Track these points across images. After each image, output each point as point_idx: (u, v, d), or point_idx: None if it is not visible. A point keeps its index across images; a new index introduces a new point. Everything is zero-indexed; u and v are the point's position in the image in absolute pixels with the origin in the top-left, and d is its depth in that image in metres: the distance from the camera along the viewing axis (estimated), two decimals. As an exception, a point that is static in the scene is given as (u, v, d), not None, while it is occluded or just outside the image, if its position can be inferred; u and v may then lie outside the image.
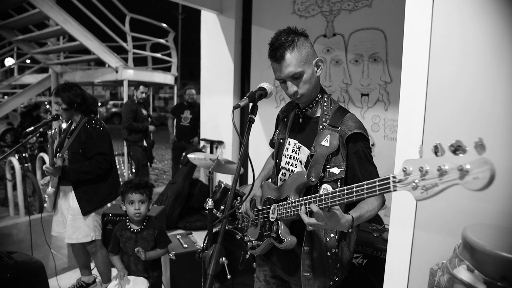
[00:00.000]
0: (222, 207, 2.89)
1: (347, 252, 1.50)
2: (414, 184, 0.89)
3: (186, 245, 2.81)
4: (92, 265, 3.11)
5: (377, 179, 1.04)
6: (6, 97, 8.54)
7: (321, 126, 1.45)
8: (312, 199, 1.26)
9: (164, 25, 7.58)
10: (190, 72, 30.93)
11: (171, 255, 2.66)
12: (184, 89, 6.17)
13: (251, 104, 1.36)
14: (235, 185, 1.27)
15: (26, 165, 5.24)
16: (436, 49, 1.71)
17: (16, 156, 5.13)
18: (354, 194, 1.11)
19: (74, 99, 2.68)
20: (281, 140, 1.63)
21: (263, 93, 1.40)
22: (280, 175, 1.61)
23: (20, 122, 10.80)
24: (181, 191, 4.50)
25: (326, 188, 1.38)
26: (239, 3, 4.18)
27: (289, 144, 1.58)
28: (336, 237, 1.45)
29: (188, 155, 2.91)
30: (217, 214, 2.82)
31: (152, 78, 7.05)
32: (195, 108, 5.77)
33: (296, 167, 1.52)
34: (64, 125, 2.89)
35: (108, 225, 3.00)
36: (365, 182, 1.08)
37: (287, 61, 1.36)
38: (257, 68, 4.11)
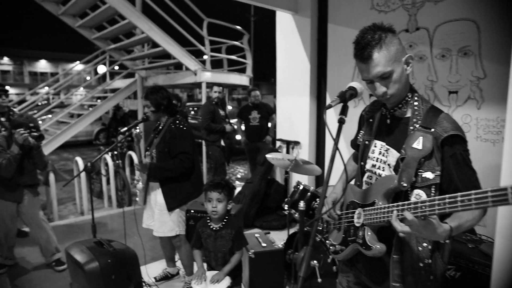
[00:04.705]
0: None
1: (441, 264, 1.38)
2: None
3: (264, 244, 2.85)
4: (176, 257, 3.31)
5: (489, 189, 0.94)
6: (99, 100, 9.48)
7: (411, 128, 1.37)
8: (406, 206, 1.18)
9: (238, 27, 7.76)
10: (262, 73, 31.33)
11: (250, 253, 2.72)
12: (248, 90, 6.21)
13: (341, 104, 1.34)
14: (326, 187, 1.25)
15: (117, 162, 5.74)
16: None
17: (109, 153, 5.66)
18: (459, 204, 1.01)
19: (161, 101, 2.87)
20: (367, 142, 1.56)
21: (353, 93, 1.37)
22: (365, 178, 1.55)
23: (108, 123, 11.95)
24: (257, 190, 4.59)
25: (418, 193, 1.30)
26: (315, 2, 4.13)
27: (375, 146, 1.51)
28: (430, 247, 1.34)
29: (266, 155, 2.94)
30: (295, 215, 2.81)
31: (228, 79, 7.25)
32: (261, 108, 5.85)
33: (383, 170, 1.45)
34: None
35: (190, 221, 3.14)
36: (473, 192, 0.98)
37: (375, 60, 1.29)
38: (334, 67, 4.01)
